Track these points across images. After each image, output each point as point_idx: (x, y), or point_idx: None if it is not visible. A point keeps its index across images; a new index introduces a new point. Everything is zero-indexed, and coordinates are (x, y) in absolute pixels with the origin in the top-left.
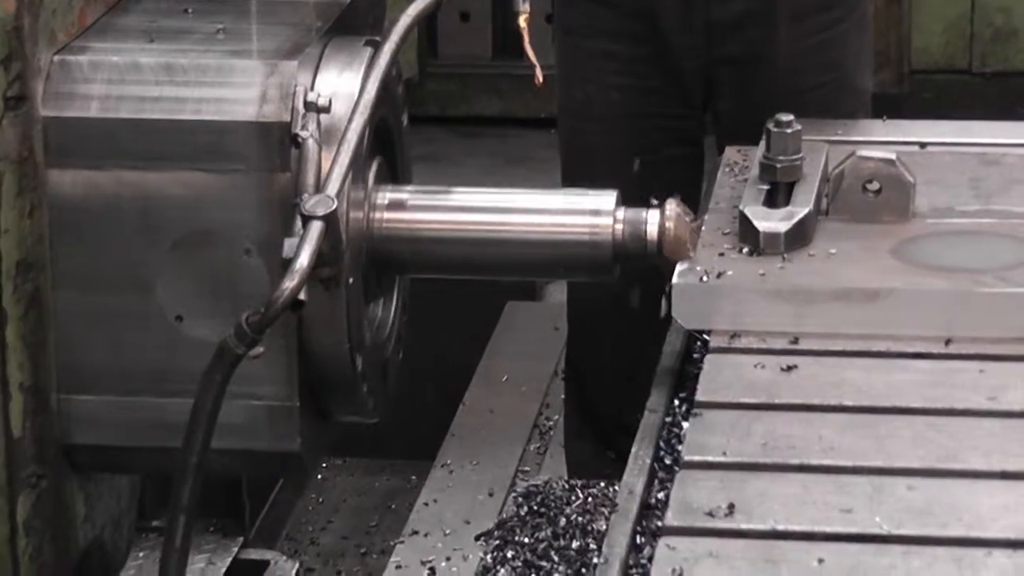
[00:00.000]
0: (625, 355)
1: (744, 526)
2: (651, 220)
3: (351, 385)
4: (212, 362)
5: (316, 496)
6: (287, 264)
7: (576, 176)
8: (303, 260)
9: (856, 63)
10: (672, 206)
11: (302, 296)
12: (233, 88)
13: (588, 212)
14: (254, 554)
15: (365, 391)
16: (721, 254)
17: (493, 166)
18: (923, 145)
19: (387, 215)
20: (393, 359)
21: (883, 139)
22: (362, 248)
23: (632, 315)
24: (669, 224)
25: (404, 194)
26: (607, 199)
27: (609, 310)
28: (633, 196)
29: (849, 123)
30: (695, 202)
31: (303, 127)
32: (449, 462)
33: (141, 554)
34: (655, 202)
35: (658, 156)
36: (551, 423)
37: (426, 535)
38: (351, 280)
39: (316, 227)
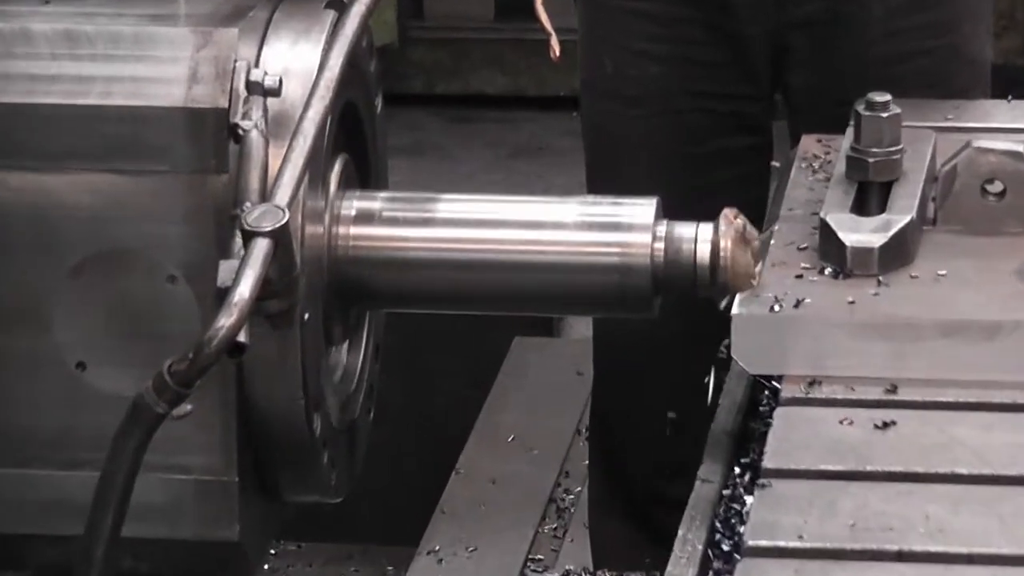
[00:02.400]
0: (668, 408)
1: None
2: (702, 237)
3: (307, 454)
4: (124, 423)
5: None
6: (223, 295)
7: (604, 175)
8: (244, 290)
9: (971, 25)
10: (729, 218)
11: (243, 337)
12: (154, 64)
13: (618, 227)
14: None
15: (326, 462)
16: (797, 276)
17: (495, 160)
18: None
19: (355, 230)
20: (362, 419)
21: (1008, 125)
22: (322, 273)
23: (677, 356)
24: (725, 243)
25: (377, 203)
26: (644, 209)
27: (647, 350)
28: (678, 202)
29: (963, 104)
30: (760, 210)
31: (245, 115)
32: (438, 548)
33: None
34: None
35: (710, 148)
36: (572, 496)
37: None
38: (307, 316)
39: (262, 246)
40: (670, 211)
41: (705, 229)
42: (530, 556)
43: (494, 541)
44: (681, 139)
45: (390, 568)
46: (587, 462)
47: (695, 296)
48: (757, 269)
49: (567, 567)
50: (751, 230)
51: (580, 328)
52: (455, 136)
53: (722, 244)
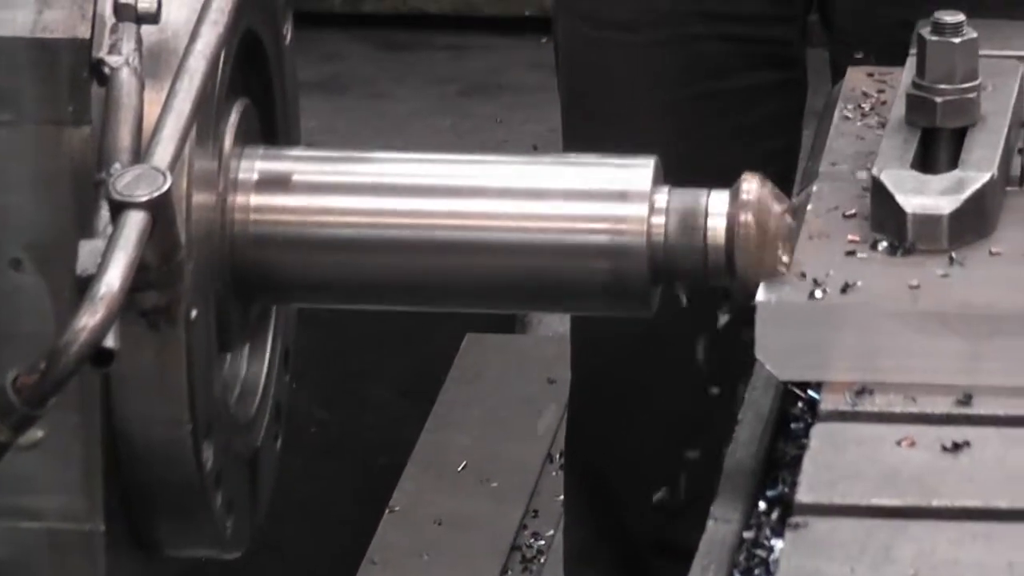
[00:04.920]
0: (670, 425)
1: None
2: (715, 210)
3: (195, 495)
4: None
5: None
6: (85, 285)
7: (586, 120)
8: (113, 279)
9: None
10: (753, 184)
11: (111, 342)
12: None
13: (606, 195)
14: None
15: (220, 505)
16: (847, 253)
17: (441, 99)
18: None
19: (258, 200)
20: (268, 448)
21: None
22: (216, 257)
23: (683, 358)
24: (746, 217)
25: (287, 163)
26: (639, 172)
27: (644, 347)
28: (685, 158)
29: None
30: (791, 166)
31: (113, 48)
32: None
33: None
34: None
35: (727, 85)
36: (542, 542)
37: None
38: (195, 313)
39: (135, 222)
40: (672, 167)
41: (719, 198)
42: None
43: None
44: (689, 74)
45: None
46: (562, 497)
47: (705, 286)
48: (785, 254)
49: None
50: (780, 200)
51: (552, 322)
52: (388, 68)
53: (741, 218)
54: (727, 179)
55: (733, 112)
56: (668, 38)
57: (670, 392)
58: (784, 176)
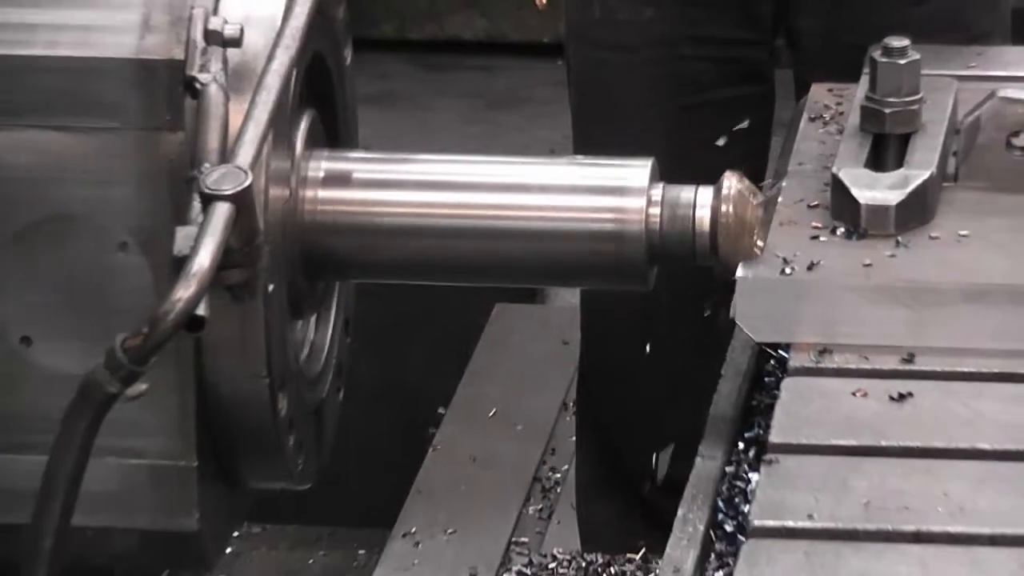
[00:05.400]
0: (664, 379)
1: None
2: (701, 202)
3: (271, 438)
4: (74, 403)
5: None
6: (180, 264)
7: (593, 128)
8: (204, 259)
9: None
10: (733, 181)
11: (202, 310)
12: (102, 11)
13: (611, 190)
14: None
15: (291, 446)
16: (813, 237)
17: (473, 111)
18: None
19: (323, 193)
20: (331, 399)
21: None
22: (288, 241)
23: (675, 323)
24: (727, 208)
25: (348, 163)
26: (639, 171)
27: (639, 315)
28: (674, 158)
29: (988, 51)
30: (762, 165)
31: (203, 67)
32: (414, 530)
33: None
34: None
35: (709, 98)
36: (558, 475)
37: None
38: (271, 288)
39: (222, 211)
40: (665, 167)
41: (705, 193)
42: (513, 539)
43: (475, 523)
44: (677, 88)
45: (361, 552)
46: (575, 438)
47: (693, 266)
48: (760, 239)
49: (554, 551)
50: (755, 196)
51: (566, 294)
52: (429, 85)
53: (723, 209)
54: (710, 175)
55: (714, 120)
56: (661, 59)
57: (662, 353)
58: (756, 174)
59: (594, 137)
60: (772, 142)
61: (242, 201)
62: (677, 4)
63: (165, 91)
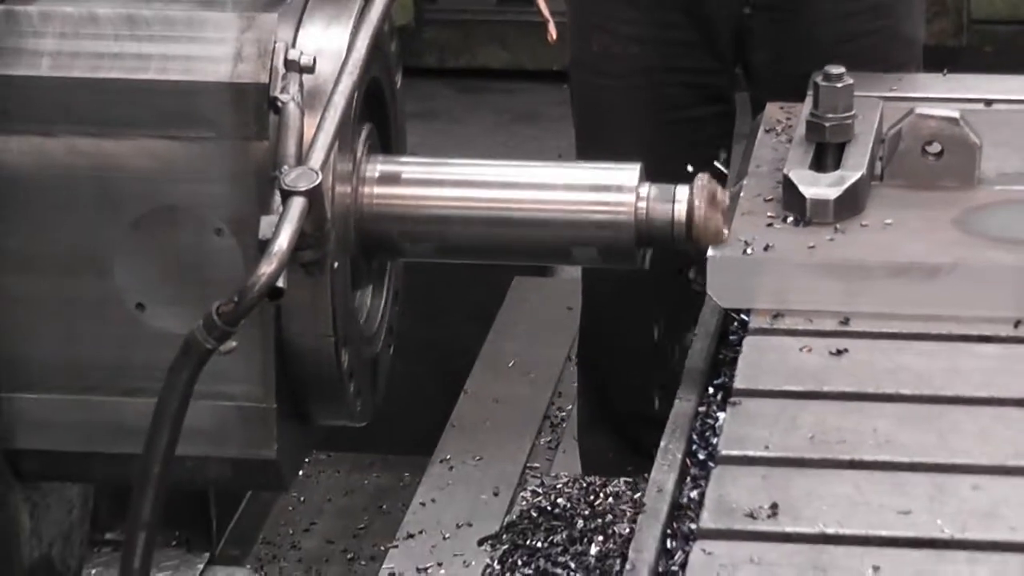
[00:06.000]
0: (646, 336)
1: (789, 529)
2: (678, 198)
3: (336, 385)
4: (177, 357)
5: (297, 495)
6: (264, 246)
7: (591, 138)
8: (283, 241)
9: (907, 8)
10: (704, 182)
11: (281, 283)
12: (203, 44)
13: (608, 188)
14: (221, 573)
15: (352, 391)
16: (768, 224)
17: (498, 124)
18: (989, 102)
19: (378, 190)
20: (384, 355)
21: (944, 95)
22: (350, 228)
23: (655, 291)
24: (699, 203)
25: (398, 166)
26: (630, 173)
27: (628, 286)
28: (655, 160)
29: (906, 77)
30: (727, 164)
31: (283, 89)
32: (448, 457)
33: (94, 571)
34: (689, 168)
35: (684, 115)
36: (564, 414)
37: (422, 538)
38: (336, 264)
39: (297, 204)
40: (650, 169)
41: (682, 191)
42: (528, 464)
43: (497, 451)
44: (658, 108)
45: (407, 474)
46: (576, 384)
47: (673, 247)
48: (725, 226)
49: (560, 474)
50: (721, 193)
51: (571, 270)
52: (463, 104)
53: (696, 204)
54: (685, 176)
55: (687, 133)
56: (645, 84)
57: (646, 316)
58: (721, 176)
59: (592, 146)
60: (733, 150)
61: (314, 196)
62: (659, 42)
63: (253, 108)
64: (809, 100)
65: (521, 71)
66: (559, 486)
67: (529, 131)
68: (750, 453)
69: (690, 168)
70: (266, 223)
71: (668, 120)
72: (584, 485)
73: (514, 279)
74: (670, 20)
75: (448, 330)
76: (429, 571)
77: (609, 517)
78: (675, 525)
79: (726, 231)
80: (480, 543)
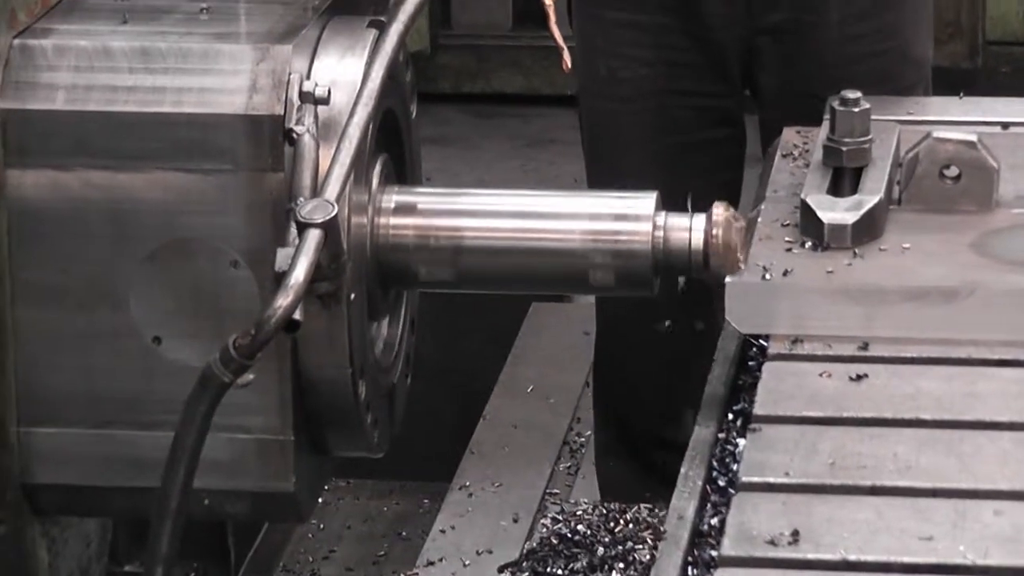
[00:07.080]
0: (661, 363)
1: (811, 556)
2: (695, 227)
3: (353, 416)
4: (195, 390)
5: (316, 522)
6: (280, 278)
7: (601, 162)
8: (299, 274)
9: (914, 29)
10: (720, 209)
11: (297, 315)
12: (218, 76)
13: (624, 217)
14: None
15: (369, 422)
16: (786, 249)
17: (513, 149)
18: (1006, 125)
19: (394, 220)
20: (400, 384)
21: (961, 119)
22: (366, 259)
23: (671, 317)
24: (717, 231)
25: (413, 196)
26: (646, 202)
27: (643, 311)
28: (665, 184)
29: (923, 101)
30: (735, 190)
31: (298, 121)
32: (468, 483)
33: None
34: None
35: (693, 138)
36: (583, 439)
37: (442, 565)
38: (353, 296)
39: (313, 236)
40: (659, 189)
41: (699, 219)
42: (547, 491)
43: (516, 478)
44: (667, 131)
45: (426, 501)
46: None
47: (690, 276)
48: (742, 255)
49: (580, 500)
50: (738, 219)
51: (588, 297)
52: (479, 129)
53: (713, 232)
54: (693, 201)
55: (697, 156)
56: (654, 107)
57: (661, 343)
58: (732, 199)
59: (602, 170)
60: (744, 175)
61: (330, 227)
62: (666, 65)
63: (268, 140)
64: (826, 125)
65: (536, 96)
66: (579, 512)
67: (545, 156)
68: (770, 479)
69: (694, 193)
70: (282, 255)
71: (677, 143)
72: (604, 512)
73: (532, 305)
74: (677, 43)
75: (466, 356)
76: None
77: (629, 544)
78: (696, 553)
79: (743, 259)
80: (500, 570)
